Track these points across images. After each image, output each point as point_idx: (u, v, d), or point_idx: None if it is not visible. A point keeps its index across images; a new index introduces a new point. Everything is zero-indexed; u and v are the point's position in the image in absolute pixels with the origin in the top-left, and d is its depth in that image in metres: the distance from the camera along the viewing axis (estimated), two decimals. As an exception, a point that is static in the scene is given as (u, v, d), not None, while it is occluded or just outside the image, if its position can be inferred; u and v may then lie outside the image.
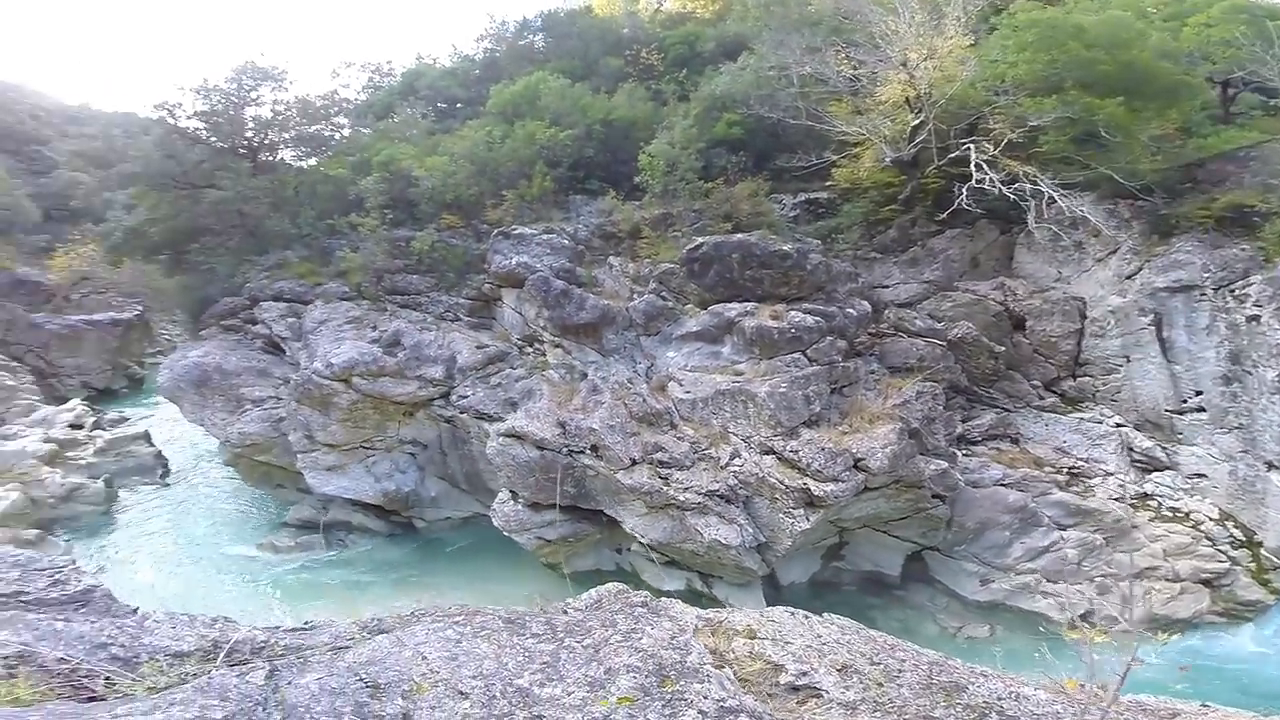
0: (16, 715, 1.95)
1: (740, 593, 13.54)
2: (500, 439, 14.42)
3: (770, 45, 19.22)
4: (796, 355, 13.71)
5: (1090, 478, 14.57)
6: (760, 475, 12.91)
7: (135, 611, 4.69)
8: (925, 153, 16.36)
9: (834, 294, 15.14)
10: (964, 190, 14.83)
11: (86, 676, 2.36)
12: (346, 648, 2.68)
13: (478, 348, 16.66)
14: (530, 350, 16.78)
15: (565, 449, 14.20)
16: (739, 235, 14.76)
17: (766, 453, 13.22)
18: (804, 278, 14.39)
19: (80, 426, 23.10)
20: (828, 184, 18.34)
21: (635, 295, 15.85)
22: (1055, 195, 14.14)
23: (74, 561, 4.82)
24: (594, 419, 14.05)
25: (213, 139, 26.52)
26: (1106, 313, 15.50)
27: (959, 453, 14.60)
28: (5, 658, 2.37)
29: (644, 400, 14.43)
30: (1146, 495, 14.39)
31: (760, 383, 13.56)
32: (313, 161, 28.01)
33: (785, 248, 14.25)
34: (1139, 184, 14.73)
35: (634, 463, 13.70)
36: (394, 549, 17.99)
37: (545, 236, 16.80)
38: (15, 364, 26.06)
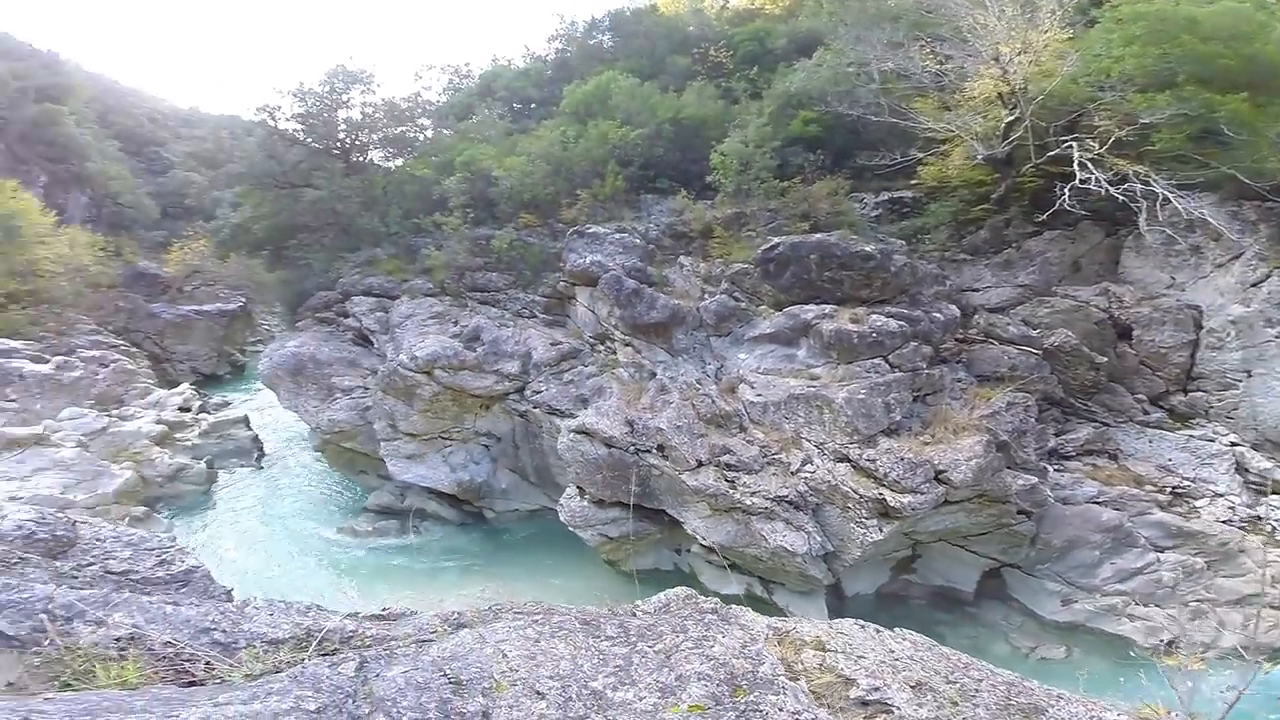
0: (124, 698, 2.07)
1: (802, 601, 13.21)
2: (570, 435, 14.61)
3: (848, 41, 18.65)
4: (877, 360, 13.23)
5: (1196, 498, 13.44)
6: (833, 483, 12.52)
7: (229, 593, 4.99)
8: (1021, 150, 15.47)
9: (919, 297, 14.53)
10: (1065, 190, 13.94)
11: (189, 660, 2.50)
12: (430, 641, 2.74)
13: (552, 344, 16.95)
14: (602, 348, 16.94)
15: (632, 447, 14.17)
16: (817, 235, 14.39)
17: (840, 460, 12.78)
18: (887, 280, 13.87)
19: (188, 409, 24.89)
20: (913, 182, 17.65)
21: (706, 295, 15.73)
22: (1170, 196, 13.09)
23: (175, 540, 5.15)
24: (661, 419, 14.00)
25: (309, 140, 28.07)
26: (1226, 323, 14.24)
27: (1050, 468, 13.76)
28: (117, 639, 2.53)
29: (713, 402, 14.28)
30: (1259, 518, 13.17)
31: (837, 388, 13.15)
32: (399, 162, 29.23)
33: (868, 248, 13.77)
34: (1267, 185, 13.47)
35: (700, 464, 13.51)
36: (464, 537, 18.49)
37: (618, 235, 16.91)
38: (135, 349, 28.34)
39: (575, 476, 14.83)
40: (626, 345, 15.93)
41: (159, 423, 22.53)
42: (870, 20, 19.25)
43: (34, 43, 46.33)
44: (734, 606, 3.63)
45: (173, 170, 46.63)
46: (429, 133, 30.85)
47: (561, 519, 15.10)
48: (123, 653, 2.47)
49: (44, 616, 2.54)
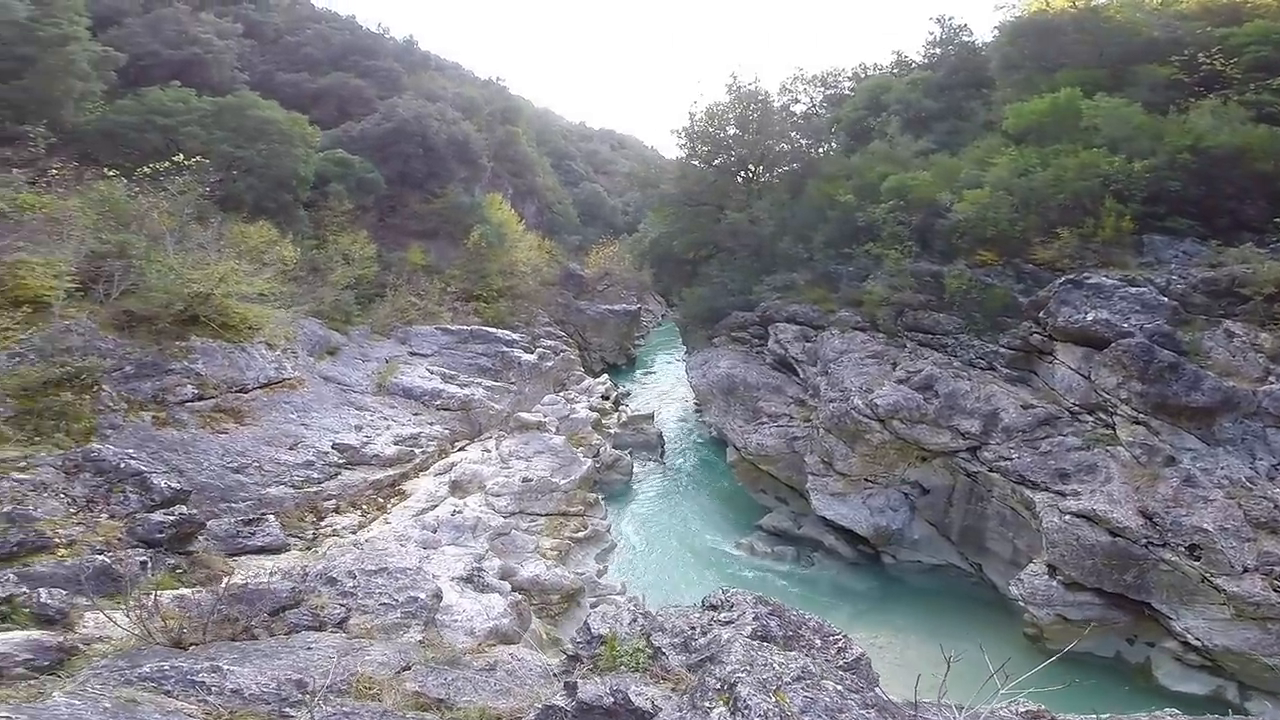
0: None
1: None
2: (1066, 516, 12.99)
3: None
4: None
5: None
6: None
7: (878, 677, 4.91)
8: None
9: None
10: None
11: None
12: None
13: (1024, 407, 15.22)
14: (1089, 419, 14.68)
15: (1145, 540, 12.42)
16: None
17: None
18: None
19: (607, 398, 28.49)
20: None
21: (1271, 377, 12.54)
22: None
23: (844, 634, 5.33)
24: (1203, 518, 11.93)
25: (718, 161, 29.91)
26: None
27: None
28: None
29: (1275, 506, 11.59)
30: None
31: None
32: (765, 178, 29.12)
33: None
34: None
35: (1244, 570, 11.58)
36: (854, 577, 17.95)
37: (1131, 290, 14.38)
38: (569, 340, 33.49)
39: (1058, 557, 13.45)
40: (1135, 424, 13.54)
41: (592, 410, 26.05)
42: None
43: (474, 71, 57.52)
44: None
45: (583, 182, 54.45)
46: (803, 144, 30.24)
47: (1015, 593, 14.16)
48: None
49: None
